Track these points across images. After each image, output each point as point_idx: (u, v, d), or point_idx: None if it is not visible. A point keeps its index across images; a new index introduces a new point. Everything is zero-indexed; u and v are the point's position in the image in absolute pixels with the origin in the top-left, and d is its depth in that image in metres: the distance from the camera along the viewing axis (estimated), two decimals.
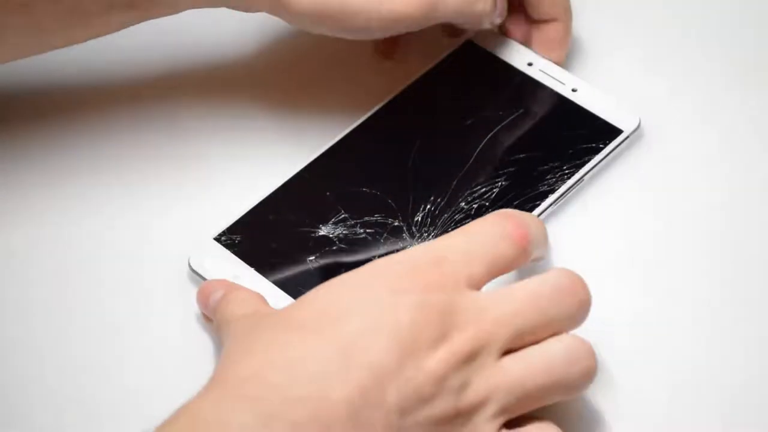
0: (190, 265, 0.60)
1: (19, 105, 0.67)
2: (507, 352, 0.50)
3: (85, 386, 0.57)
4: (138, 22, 0.63)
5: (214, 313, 0.56)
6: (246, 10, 0.63)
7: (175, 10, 0.63)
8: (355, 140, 0.64)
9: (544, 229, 0.54)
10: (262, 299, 0.56)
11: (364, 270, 0.51)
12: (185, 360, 0.58)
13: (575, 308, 0.51)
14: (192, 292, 0.59)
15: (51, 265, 0.61)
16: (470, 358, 0.49)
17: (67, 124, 0.66)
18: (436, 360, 0.48)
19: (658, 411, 0.56)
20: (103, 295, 0.60)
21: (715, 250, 0.61)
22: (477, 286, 0.51)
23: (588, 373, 0.51)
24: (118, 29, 0.63)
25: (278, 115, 0.67)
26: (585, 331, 0.52)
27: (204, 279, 0.59)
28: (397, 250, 0.59)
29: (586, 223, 0.62)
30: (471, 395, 0.49)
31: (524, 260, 0.52)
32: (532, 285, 0.51)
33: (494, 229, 0.52)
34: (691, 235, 0.62)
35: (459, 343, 0.49)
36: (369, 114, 0.65)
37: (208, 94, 0.68)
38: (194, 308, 0.59)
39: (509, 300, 0.50)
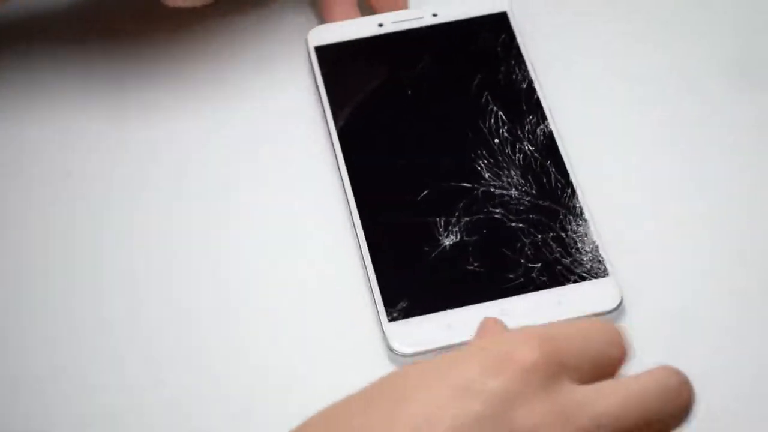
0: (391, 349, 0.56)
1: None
2: None
3: (85, 385, 0.58)
4: None
5: None
6: None
7: None
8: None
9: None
10: None
11: (441, 361, 0.46)
12: (184, 356, 0.58)
13: (678, 410, 0.46)
14: None
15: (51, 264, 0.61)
16: None
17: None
18: None
19: None
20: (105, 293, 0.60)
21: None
22: (580, 382, 0.46)
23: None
24: None
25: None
26: None
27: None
28: None
29: None
30: None
31: (620, 369, 0.48)
32: (641, 380, 0.46)
33: (603, 333, 0.47)
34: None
35: None
36: None
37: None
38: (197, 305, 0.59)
39: (613, 393, 0.45)
